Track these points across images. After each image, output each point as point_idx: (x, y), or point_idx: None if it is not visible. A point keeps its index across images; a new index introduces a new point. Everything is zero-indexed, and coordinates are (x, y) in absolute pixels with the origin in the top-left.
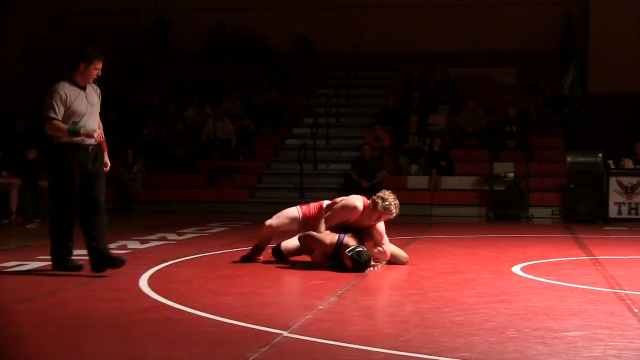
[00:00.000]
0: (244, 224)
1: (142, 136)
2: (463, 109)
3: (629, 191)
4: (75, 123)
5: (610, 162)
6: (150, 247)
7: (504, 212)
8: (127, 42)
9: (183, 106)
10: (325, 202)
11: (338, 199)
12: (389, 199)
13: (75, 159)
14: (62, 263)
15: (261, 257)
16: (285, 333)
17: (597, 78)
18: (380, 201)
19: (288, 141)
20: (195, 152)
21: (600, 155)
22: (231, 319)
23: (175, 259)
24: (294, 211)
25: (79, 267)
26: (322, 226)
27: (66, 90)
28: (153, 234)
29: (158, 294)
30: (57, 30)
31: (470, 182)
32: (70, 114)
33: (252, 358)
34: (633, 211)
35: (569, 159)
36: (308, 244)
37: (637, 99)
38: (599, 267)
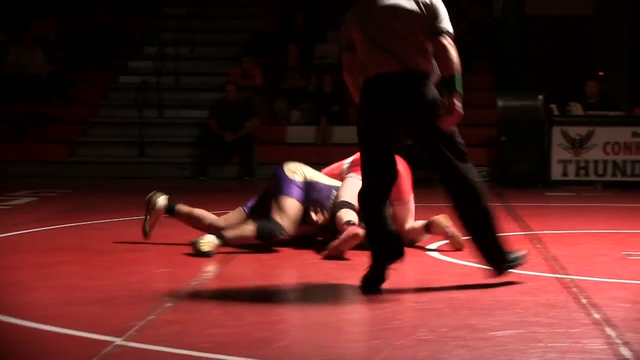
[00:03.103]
0: (60, 192)
1: None
2: None
3: (577, 145)
4: None
5: (554, 107)
6: None
7: (415, 172)
8: None
9: None
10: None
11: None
12: None
13: None
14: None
15: None
16: (118, 341)
17: None
18: None
19: (122, 78)
20: None
21: (540, 98)
22: (43, 323)
23: None
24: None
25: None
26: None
27: None
28: None
29: None
30: None
31: None
32: None
33: None
34: (582, 171)
35: (500, 102)
36: None
37: (590, 25)
38: (538, 246)
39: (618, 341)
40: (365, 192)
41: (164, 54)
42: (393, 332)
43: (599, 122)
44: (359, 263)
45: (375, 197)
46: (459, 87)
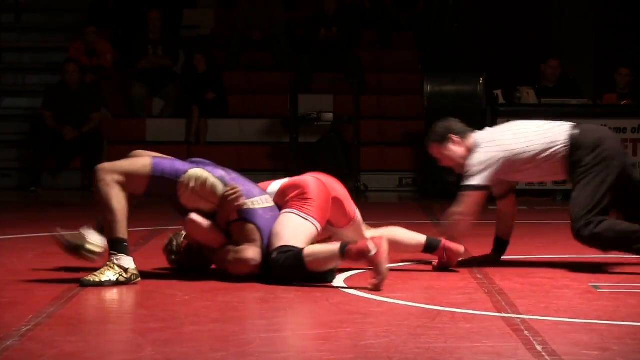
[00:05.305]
0: None
1: None
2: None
3: None
4: None
5: (498, 92)
6: None
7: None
8: None
9: None
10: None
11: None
12: None
13: None
14: None
15: None
16: None
17: None
18: None
19: None
20: None
21: (481, 80)
22: None
23: None
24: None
25: None
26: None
27: None
28: None
29: None
30: None
31: (259, 130)
32: None
33: None
34: None
35: (427, 87)
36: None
37: None
38: (479, 276)
39: None
40: None
41: None
42: None
43: (558, 112)
44: (240, 302)
45: None
46: None
